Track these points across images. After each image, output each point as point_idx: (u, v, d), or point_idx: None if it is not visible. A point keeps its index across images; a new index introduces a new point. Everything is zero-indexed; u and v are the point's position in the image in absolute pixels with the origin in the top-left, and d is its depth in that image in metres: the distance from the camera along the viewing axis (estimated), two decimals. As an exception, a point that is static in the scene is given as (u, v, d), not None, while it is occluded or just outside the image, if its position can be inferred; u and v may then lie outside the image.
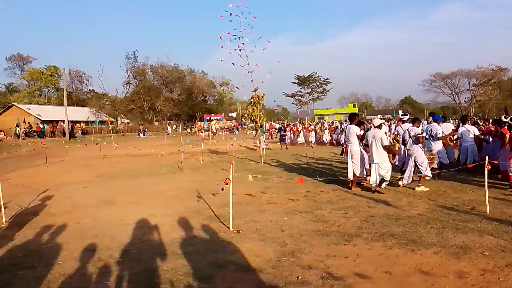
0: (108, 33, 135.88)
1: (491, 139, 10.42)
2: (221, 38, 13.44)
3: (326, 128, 26.76)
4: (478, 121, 16.63)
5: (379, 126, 8.47)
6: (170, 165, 14.89)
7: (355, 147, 8.68)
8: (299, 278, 3.95)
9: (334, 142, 24.09)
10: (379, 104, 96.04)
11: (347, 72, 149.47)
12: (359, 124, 8.97)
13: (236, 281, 3.94)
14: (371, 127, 9.43)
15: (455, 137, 10.63)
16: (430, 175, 8.53)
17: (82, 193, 9.21)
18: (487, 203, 6.24)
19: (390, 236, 5.20)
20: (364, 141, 8.66)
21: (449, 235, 5.12)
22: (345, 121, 29.49)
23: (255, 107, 14.34)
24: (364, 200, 7.49)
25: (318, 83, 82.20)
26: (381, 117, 9.17)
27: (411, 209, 6.67)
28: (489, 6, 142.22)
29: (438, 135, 9.62)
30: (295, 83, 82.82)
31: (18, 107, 50.18)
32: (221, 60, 14.49)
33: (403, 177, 8.81)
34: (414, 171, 8.64)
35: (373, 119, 8.89)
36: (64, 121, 37.34)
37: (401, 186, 8.67)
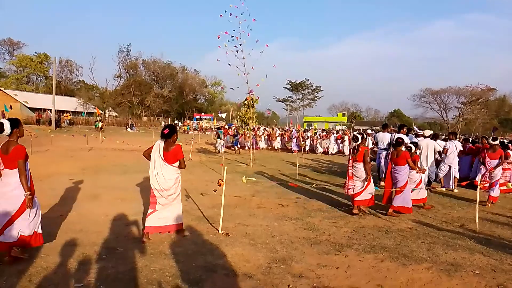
0: (102, 24, 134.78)
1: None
2: (219, 38, 13.33)
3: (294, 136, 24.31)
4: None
5: (429, 136, 9.99)
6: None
7: None
8: (290, 286, 3.87)
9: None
10: (368, 115, 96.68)
11: (339, 81, 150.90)
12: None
13: (226, 287, 3.84)
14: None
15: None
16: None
17: (67, 186, 8.94)
18: (477, 221, 6.26)
19: (381, 248, 5.16)
20: (419, 149, 9.68)
21: (440, 251, 5.10)
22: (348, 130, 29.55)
23: (248, 109, 14.25)
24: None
25: (309, 90, 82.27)
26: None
27: (401, 222, 6.66)
28: (480, 26, 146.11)
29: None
30: (287, 89, 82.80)
31: (4, 92, 48.90)
32: (218, 60, 14.33)
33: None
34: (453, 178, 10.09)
35: (425, 131, 10.58)
36: (51, 110, 36.63)
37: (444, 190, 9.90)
